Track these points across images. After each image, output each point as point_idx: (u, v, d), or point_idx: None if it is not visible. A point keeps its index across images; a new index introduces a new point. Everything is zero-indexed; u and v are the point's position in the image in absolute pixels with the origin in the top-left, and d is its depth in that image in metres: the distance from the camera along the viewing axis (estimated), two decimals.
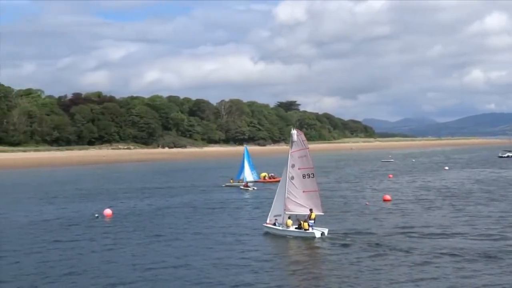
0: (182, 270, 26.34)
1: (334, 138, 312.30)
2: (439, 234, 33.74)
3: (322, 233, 33.34)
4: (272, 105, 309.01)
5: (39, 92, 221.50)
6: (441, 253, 28.32)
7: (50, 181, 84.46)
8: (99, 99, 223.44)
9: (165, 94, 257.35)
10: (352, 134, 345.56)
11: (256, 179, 71.58)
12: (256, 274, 25.43)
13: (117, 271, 26.42)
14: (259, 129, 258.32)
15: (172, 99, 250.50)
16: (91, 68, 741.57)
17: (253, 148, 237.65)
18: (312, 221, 33.92)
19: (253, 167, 71.73)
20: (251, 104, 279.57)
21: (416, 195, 55.25)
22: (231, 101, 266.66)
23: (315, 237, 32.86)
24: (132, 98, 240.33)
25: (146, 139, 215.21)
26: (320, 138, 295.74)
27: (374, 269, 25.56)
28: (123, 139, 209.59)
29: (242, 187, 66.10)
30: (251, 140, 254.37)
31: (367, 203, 48.80)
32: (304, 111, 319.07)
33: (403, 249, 29.43)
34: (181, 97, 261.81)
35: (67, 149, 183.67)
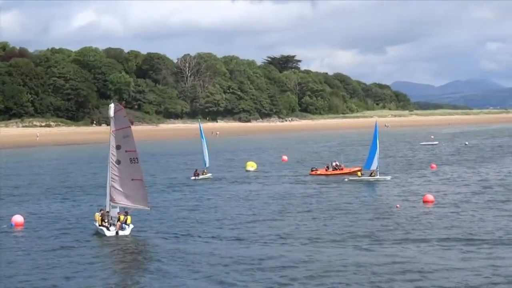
0: None
1: (351, 110, 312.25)
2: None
3: (117, 232, 39.66)
4: (260, 62, 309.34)
5: None
6: None
7: None
8: (4, 53, 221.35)
9: (102, 46, 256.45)
10: (377, 104, 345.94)
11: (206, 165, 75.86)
12: None
13: None
14: (241, 97, 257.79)
15: (113, 53, 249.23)
16: None
17: (232, 125, 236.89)
18: (127, 226, 40.43)
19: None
20: (229, 60, 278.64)
21: (469, 193, 56.10)
22: (200, 56, 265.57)
23: (105, 235, 39.61)
24: (54, 51, 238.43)
25: (74, 112, 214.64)
26: (331, 110, 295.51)
27: None
28: (40, 112, 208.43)
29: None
30: (229, 113, 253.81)
31: (397, 205, 49.83)
32: (307, 71, 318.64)
33: None
34: (126, 50, 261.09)
35: None
